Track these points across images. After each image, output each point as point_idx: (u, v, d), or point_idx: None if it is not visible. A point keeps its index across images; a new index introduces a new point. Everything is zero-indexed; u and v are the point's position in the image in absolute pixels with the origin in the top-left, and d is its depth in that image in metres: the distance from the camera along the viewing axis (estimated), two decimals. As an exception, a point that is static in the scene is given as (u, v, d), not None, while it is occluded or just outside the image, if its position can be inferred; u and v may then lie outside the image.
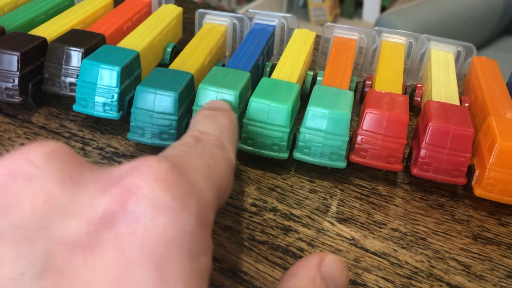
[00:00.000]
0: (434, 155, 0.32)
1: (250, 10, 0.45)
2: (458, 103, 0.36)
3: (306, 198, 0.32)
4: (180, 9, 0.46)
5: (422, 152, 0.32)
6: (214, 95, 0.33)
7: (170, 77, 0.34)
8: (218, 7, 2.47)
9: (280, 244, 0.28)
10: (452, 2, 1.55)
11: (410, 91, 0.43)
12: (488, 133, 0.33)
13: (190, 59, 0.38)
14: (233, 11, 0.42)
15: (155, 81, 0.33)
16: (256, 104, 0.32)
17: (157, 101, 0.32)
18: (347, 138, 0.32)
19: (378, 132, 0.32)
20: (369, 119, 0.33)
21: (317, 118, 0.32)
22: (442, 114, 0.33)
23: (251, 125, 0.33)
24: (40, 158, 0.16)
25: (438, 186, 0.34)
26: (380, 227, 0.30)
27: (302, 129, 0.33)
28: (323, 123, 0.32)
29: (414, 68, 0.45)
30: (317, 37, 0.48)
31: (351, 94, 0.34)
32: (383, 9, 2.61)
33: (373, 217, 0.31)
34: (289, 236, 0.29)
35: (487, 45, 1.65)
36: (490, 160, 0.31)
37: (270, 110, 0.32)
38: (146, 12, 0.47)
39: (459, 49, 0.43)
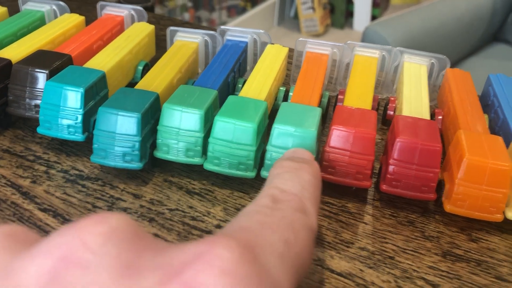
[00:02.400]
0: (402, 171, 0.31)
1: (222, 27, 0.45)
2: (428, 117, 0.36)
3: (273, 218, 0.31)
4: (152, 27, 0.46)
5: (390, 168, 0.32)
6: (178, 115, 0.33)
7: (134, 97, 0.33)
8: (208, 21, 2.46)
9: (244, 267, 0.28)
10: (439, 11, 1.55)
11: (384, 105, 0.43)
12: (457, 147, 0.32)
13: (157, 78, 0.37)
14: (211, 27, 0.41)
15: (118, 101, 0.33)
16: (222, 123, 0.32)
17: (120, 123, 0.32)
18: (314, 155, 0.32)
19: (346, 148, 0.32)
20: (336, 135, 0.32)
21: (283, 135, 0.32)
22: (410, 129, 0.32)
23: (218, 144, 0.32)
24: (97, 242, 0.15)
25: (409, 202, 0.34)
26: (348, 246, 0.30)
27: (268, 147, 0.32)
28: (290, 141, 0.32)
29: (389, 81, 0.45)
30: (293, 51, 0.48)
31: (318, 110, 0.34)
32: (373, 18, 2.63)
33: (341, 236, 0.30)
34: (254, 259, 0.28)
35: (476, 52, 1.65)
36: (459, 175, 0.30)
37: (235, 129, 0.32)
38: (118, 31, 0.46)
39: (432, 61, 0.43)
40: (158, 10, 2.13)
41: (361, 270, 0.28)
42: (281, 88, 0.41)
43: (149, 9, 0.65)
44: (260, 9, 2.60)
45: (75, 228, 0.15)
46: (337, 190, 0.34)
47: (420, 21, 1.51)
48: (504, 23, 1.71)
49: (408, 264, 0.29)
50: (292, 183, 0.22)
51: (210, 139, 0.32)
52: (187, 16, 2.25)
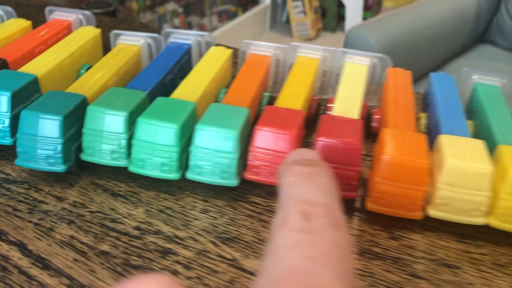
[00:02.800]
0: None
1: (166, 30, 0.45)
2: (357, 116, 0.36)
3: (195, 219, 0.31)
4: (97, 30, 0.46)
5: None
6: (102, 117, 0.33)
7: (60, 100, 0.34)
8: (199, 27, 2.46)
9: (155, 268, 0.28)
10: (423, 13, 1.56)
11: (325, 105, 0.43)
12: (380, 145, 0.32)
13: (90, 81, 0.37)
14: (155, 30, 0.41)
15: (43, 104, 0.33)
16: (144, 124, 0.32)
17: (42, 125, 0.32)
18: (236, 156, 0.32)
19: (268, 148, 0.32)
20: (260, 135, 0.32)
21: (206, 136, 0.32)
22: (331, 128, 0.32)
23: (141, 146, 0.32)
24: None
25: (336, 201, 0.34)
26: (266, 246, 0.30)
27: (192, 148, 0.32)
28: (212, 141, 0.32)
29: (333, 82, 0.45)
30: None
31: (245, 111, 0.34)
32: (363, 22, 2.63)
33: (260, 236, 0.30)
34: (166, 259, 0.28)
35: (462, 54, 1.65)
36: (378, 173, 0.30)
37: (158, 130, 0.32)
38: (65, 35, 0.47)
39: (374, 61, 0.43)
40: (148, 16, 2.14)
41: (274, 269, 0.28)
42: (223, 89, 0.41)
43: (111, 14, 0.65)
44: (251, 14, 2.61)
45: None
46: (265, 190, 0.34)
47: (404, 23, 1.51)
48: (489, 24, 1.72)
49: (323, 262, 0.29)
50: (315, 191, 0.20)
51: (133, 141, 0.32)
52: (177, 21, 2.26)
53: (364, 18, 2.69)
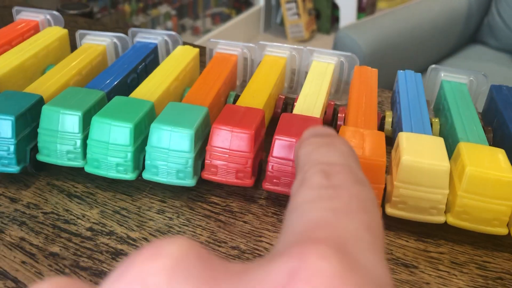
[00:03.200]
0: (280, 168, 0.31)
1: (133, 29, 0.45)
2: (318, 115, 0.35)
3: (150, 220, 0.31)
4: (64, 31, 0.45)
5: (270, 165, 0.31)
6: (57, 117, 0.32)
7: (14, 100, 0.33)
8: (192, 29, 2.45)
9: (104, 269, 0.27)
10: (412, 14, 1.55)
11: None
12: (338, 143, 0.32)
13: (49, 81, 0.37)
14: (114, 31, 0.39)
15: (-4, 105, 0.32)
16: (98, 123, 0.32)
17: (-7, 126, 0.31)
18: (192, 155, 0.31)
19: (225, 147, 0.32)
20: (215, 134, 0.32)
21: (161, 135, 0.31)
22: (289, 127, 0.32)
23: (96, 146, 0.32)
24: (161, 282, 0.12)
25: (295, 201, 0.33)
26: (219, 246, 0.29)
27: (147, 148, 0.32)
28: (167, 140, 0.31)
29: (302, 80, 0.44)
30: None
31: (204, 110, 0.33)
32: (356, 23, 2.63)
33: (216, 236, 0.30)
34: (117, 261, 0.28)
35: (453, 54, 1.65)
36: (334, 172, 0.30)
37: (112, 130, 0.31)
38: (32, 36, 0.46)
39: (341, 59, 0.43)
40: (141, 18, 2.13)
41: (226, 270, 0.28)
42: (232, 93, 0.41)
43: (87, 15, 0.65)
44: (245, 16, 2.61)
45: (131, 269, 0.13)
46: (225, 190, 0.34)
47: (393, 24, 1.51)
48: (480, 25, 1.72)
49: (277, 263, 0.28)
50: (333, 155, 0.19)
51: (88, 141, 0.32)
52: (170, 24, 2.26)
53: (358, 20, 2.69)
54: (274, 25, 2.80)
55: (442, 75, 0.41)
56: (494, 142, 0.36)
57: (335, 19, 2.73)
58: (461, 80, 0.40)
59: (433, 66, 0.41)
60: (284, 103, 0.41)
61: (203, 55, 0.50)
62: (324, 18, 2.73)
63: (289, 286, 0.12)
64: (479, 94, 0.41)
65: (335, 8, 2.69)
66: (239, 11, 2.61)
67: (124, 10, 2.07)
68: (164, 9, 2.26)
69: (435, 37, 1.58)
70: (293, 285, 0.12)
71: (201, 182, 0.33)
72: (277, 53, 0.43)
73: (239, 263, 0.13)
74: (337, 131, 0.39)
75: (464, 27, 1.67)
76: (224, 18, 2.54)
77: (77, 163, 0.33)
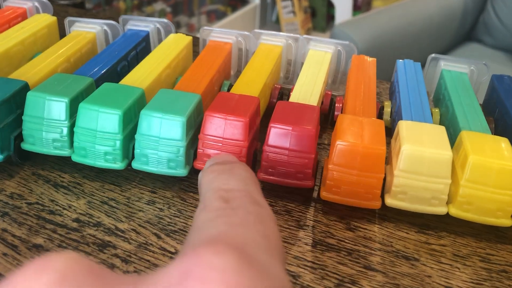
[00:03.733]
0: (275, 157, 0.30)
1: (124, 16, 0.43)
2: (316, 103, 0.34)
3: (140, 211, 0.30)
4: (53, 18, 0.44)
5: (265, 154, 0.30)
6: (43, 103, 0.31)
7: (-2, 86, 0.32)
8: (188, 26, 2.44)
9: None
10: (408, 11, 1.55)
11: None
12: (336, 131, 0.30)
13: (36, 67, 0.35)
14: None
15: (-22, 90, 0.31)
16: (86, 110, 0.30)
17: (-24, 112, 0.30)
18: (184, 144, 0.30)
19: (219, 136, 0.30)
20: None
21: (151, 123, 0.30)
22: (286, 115, 0.31)
23: (83, 134, 0.30)
24: None
25: (291, 191, 0.32)
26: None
27: (137, 136, 0.30)
28: (158, 128, 0.30)
29: (298, 70, 0.43)
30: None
31: (196, 97, 0.32)
32: (352, 21, 2.62)
33: (208, 228, 0.29)
34: (104, 253, 0.26)
35: (449, 52, 1.65)
36: (331, 160, 0.29)
37: (100, 117, 0.30)
38: (19, 23, 0.45)
39: (338, 48, 0.41)
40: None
41: (219, 262, 0.26)
42: (226, 82, 0.39)
43: (78, 6, 0.63)
44: (241, 14, 2.59)
45: (17, 279, 0.12)
46: (218, 181, 0.32)
47: (388, 21, 1.50)
48: (476, 22, 1.71)
49: (272, 255, 0.27)
50: (233, 182, 0.20)
51: (75, 128, 0.30)
52: (164, 21, 2.23)
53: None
54: (269, 23, 2.79)
55: (442, 64, 0.40)
56: (496, 132, 0.35)
57: (330, 17, 2.72)
58: (462, 69, 0.39)
59: (433, 55, 0.40)
60: (280, 93, 0.40)
61: (197, 45, 0.49)
62: (320, 16, 2.72)
63: (181, 285, 0.12)
64: (480, 84, 0.39)
65: (330, 6, 2.68)
66: (234, 8, 2.59)
67: (119, 7, 2.05)
68: (159, 6, 2.24)
69: (430, 34, 1.58)
70: (186, 284, 0.12)
71: (193, 172, 0.32)
72: (272, 42, 0.42)
73: (135, 275, 0.14)
74: (334, 121, 0.38)
75: (459, 24, 1.66)
76: (220, 15, 2.53)
77: (64, 152, 0.31)
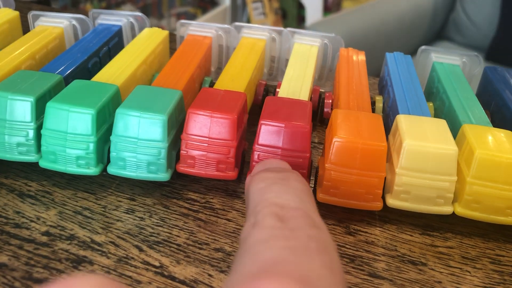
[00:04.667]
0: (267, 158, 0.27)
1: (94, 10, 0.40)
2: (306, 98, 0.32)
3: (118, 220, 0.27)
4: (15, 13, 0.40)
5: (255, 154, 0.27)
6: (5, 103, 0.27)
7: (-48, 85, 0.28)
8: (159, 27, 2.43)
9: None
10: (379, 10, 1.55)
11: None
12: (331, 127, 0.28)
13: (-4, 65, 0.32)
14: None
15: None
16: (55, 110, 0.27)
17: None
18: (166, 145, 0.27)
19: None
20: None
21: (128, 122, 0.27)
22: (276, 111, 0.28)
23: (51, 137, 0.27)
24: None
25: (284, 194, 0.29)
26: (201, 248, 0.25)
27: (112, 138, 0.27)
28: (136, 128, 0.27)
29: (282, 65, 0.41)
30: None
31: (177, 94, 0.29)
32: (323, 22, 2.63)
33: (196, 237, 0.26)
34: (80, 270, 0.23)
35: (420, 51, 1.66)
36: (328, 158, 0.26)
37: (71, 117, 0.27)
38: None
39: (325, 41, 0.39)
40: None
41: (210, 275, 0.24)
42: (207, 78, 0.37)
43: (44, 3, 0.59)
44: (211, 16, 2.56)
45: None
46: (204, 184, 0.30)
47: (360, 20, 1.50)
48: (446, 21, 1.73)
49: (268, 265, 0.24)
50: (287, 196, 0.18)
51: (43, 131, 0.27)
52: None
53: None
54: (240, 25, 2.76)
55: (433, 57, 0.38)
56: (493, 125, 0.34)
57: (301, 18, 2.72)
58: (454, 61, 0.38)
59: (423, 47, 0.39)
60: (265, 90, 0.37)
61: (173, 41, 0.46)
62: (290, 18, 2.71)
63: None
64: (472, 76, 0.38)
65: (301, 7, 2.68)
66: (204, 10, 2.56)
67: (86, 9, 1.99)
68: (127, 8, 2.18)
69: (402, 33, 1.59)
70: None
71: (176, 176, 0.29)
72: (255, 35, 0.39)
73: None
74: (324, 118, 0.36)
75: (430, 23, 1.68)
76: (190, 17, 2.49)
77: (30, 158, 0.28)
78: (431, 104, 0.36)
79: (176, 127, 0.29)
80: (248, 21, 2.61)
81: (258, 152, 0.27)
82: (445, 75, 0.36)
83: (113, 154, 0.27)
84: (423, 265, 0.25)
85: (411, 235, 0.27)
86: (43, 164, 0.28)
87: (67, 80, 0.31)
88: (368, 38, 1.45)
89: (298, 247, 0.15)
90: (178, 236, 0.26)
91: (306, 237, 0.15)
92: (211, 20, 2.51)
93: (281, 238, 0.15)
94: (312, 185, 0.29)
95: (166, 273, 0.24)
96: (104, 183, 0.29)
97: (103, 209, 0.27)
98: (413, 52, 0.41)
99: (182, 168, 0.28)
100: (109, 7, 2.04)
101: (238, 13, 2.72)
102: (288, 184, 0.19)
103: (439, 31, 1.73)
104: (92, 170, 0.27)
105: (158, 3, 2.30)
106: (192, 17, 2.46)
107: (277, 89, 0.35)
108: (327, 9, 2.70)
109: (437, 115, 0.35)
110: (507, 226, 0.28)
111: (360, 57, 0.38)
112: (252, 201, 0.18)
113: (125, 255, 0.24)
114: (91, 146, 0.27)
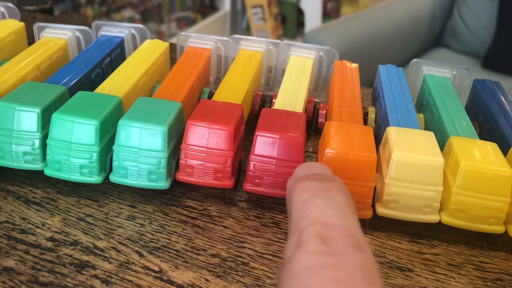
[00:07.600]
0: (262, 167, 0.28)
1: (97, 22, 0.41)
2: (301, 110, 0.33)
3: (119, 227, 0.28)
4: (21, 24, 0.42)
5: (251, 164, 0.29)
6: (12, 114, 0.29)
7: (-38, 96, 0.29)
8: (157, 33, 2.41)
9: (68, 284, 0.24)
10: (378, 17, 1.56)
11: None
12: (323, 139, 0.29)
13: (2, 76, 0.33)
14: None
15: None
16: (60, 121, 0.28)
17: None
18: (165, 155, 0.28)
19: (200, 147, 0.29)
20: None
21: (130, 133, 0.28)
22: (270, 122, 0.29)
23: (56, 146, 0.28)
24: None
25: (279, 202, 0.31)
26: (198, 254, 0.26)
27: (114, 147, 0.29)
28: (137, 138, 0.28)
29: (279, 76, 0.42)
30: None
31: (177, 105, 0.31)
32: (322, 27, 2.65)
33: (193, 243, 0.27)
34: (83, 274, 0.25)
35: (418, 57, 1.67)
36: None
37: (75, 127, 0.28)
38: (-16, 29, 0.42)
39: (320, 54, 0.41)
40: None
41: (206, 280, 0.25)
42: (206, 89, 0.38)
43: (47, 12, 0.61)
44: (211, 21, 2.58)
45: None
46: (202, 192, 0.31)
47: (359, 27, 1.51)
48: (443, 28, 1.75)
49: (262, 270, 0.26)
50: (331, 211, 0.18)
51: (48, 140, 0.28)
52: (133, 28, 2.19)
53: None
54: (240, 30, 2.78)
55: (425, 69, 0.39)
56: (481, 137, 0.35)
57: (300, 24, 2.74)
58: (444, 74, 0.39)
59: (415, 60, 0.40)
60: (262, 100, 0.39)
61: (173, 51, 0.47)
62: (290, 23, 2.73)
63: None
64: (462, 89, 0.39)
65: (300, 13, 2.70)
66: (204, 15, 2.57)
67: (86, 14, 2.01)
68: (127, 13, 2.20)
69: (400, 40, 1.60)
70: None
71: (175, 184, 0.30)
72: (253, 47, 0.41)
73: None
74: (318, 128, 0.37)
75: (428, 30, 1.69)
76: (190, 22, 2.51)
77: (36, 166, 0.29)
78: (421, 115, 0.37)
79: (176, 137, 0.30)
80: (248, 26, 2.63)
81: (254, 162, 0.29)
82: (435, 88, 0.37)
83: (115, 163, 0.29)
84: (410, 271, 0.27)
85: (399, 242, 0.28)
86: (48, 172, 0.29)
87: (71, 91, 0.33)
88: (367, 45, 1.47)
89: (345, 280, 0.15)
90: (176, 242, 0.27)
91: (352, 266, 0.16)
92: (211, 25, 2.53)
93: (327, 268, 0.16)
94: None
95: (165, 278, 0.25)
96: (106, 191, 0.30)
97: (105, 216, 0.28)
98: (410, 59, 0.42)
99: (181, 176, 0.29)
100: (109, 11, 2.06)
101: (238, 18, 2.74)
102: (331, 196, 0.19)
103: (437, 37, 1.75)
104: (95, 179, 0.29)
105: (158, 8, 2.32)
106: (192, 22, 2.48)
107: (274, 100, 0.37)
108: (326, 15, 2.72)
109: (427, 126, 0.36)
110: (491, 234, 0.29)
111: (353, 69, 0.39)
112: (295, 214, 0.19)
113: (126, 260, 0.26)
114: (94, 156, 0.28)
